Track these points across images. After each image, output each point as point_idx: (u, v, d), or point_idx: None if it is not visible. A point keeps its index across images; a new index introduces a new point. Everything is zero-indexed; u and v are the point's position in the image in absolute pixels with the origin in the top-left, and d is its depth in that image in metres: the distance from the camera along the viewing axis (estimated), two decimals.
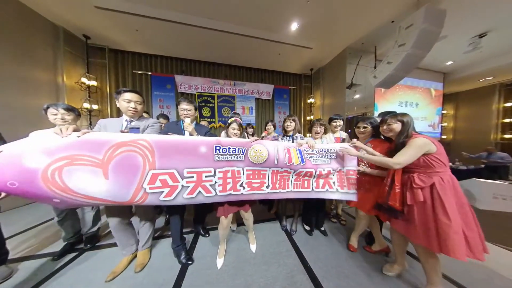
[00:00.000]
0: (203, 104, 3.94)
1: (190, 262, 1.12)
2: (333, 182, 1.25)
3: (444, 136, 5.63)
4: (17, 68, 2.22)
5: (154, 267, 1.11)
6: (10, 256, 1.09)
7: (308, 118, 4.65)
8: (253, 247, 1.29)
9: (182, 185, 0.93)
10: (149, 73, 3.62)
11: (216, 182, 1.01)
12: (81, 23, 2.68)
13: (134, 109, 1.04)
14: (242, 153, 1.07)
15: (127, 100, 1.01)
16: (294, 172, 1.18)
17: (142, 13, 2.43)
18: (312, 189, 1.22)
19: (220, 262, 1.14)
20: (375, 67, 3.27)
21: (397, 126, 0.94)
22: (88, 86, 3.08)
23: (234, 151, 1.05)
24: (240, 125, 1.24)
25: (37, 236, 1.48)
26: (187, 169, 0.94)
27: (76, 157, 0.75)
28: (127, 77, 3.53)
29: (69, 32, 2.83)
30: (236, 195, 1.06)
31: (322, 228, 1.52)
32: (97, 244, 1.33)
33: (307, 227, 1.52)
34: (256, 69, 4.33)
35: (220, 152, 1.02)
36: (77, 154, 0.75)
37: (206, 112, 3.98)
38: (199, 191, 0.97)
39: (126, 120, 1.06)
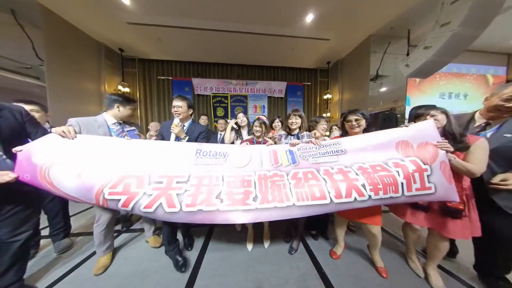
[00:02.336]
0: (217, 104, 4.12)
1: (183, 269, 1.05)
2: (362, 185, 0.82)
3: None
4: (73, 81, 2.74)
5: None
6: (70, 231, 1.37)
7: (324, 115, 4.36)
8: (266, 244, 1.30)
9: (144, 193, 0.80)
10: (170, 78, 3.98)
11: (186, 191, 0.81)
12: (117, 38, 3.13)
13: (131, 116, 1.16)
14: (223, 157, 0.98)
15: (133, 109, 1.15)
16: (287, 174, 0.91)
17: (164, 24, 2.68)
18: (331, 200, 0.81)
19: (249, 246, 1.27)
20: (407, 54, 2.81)
21: (442, 118, 0.90)
22: (123, 93, 3.58)
23: (215, 155, 0.98)
24: (263, 123, 1.29)
25: (91, 216, 1.83)
26: (160, 173, 0.86)
27: (66, 156, 0.81)
28: (153, 83, 3.96)
29: (108, 47, 3.34)
30: (208, 213, 0.78)
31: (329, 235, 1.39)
32: (130, 227, 1.57)
33: (312, 232, 1.40)
34: (268, 67, 4.27)
35: (200, 156, 0.96)
36: (71, 153, 0.82)
37: (220, 112, 4.15)
38: (160, 203, 0.78)
39: (120, 123, 1.10)
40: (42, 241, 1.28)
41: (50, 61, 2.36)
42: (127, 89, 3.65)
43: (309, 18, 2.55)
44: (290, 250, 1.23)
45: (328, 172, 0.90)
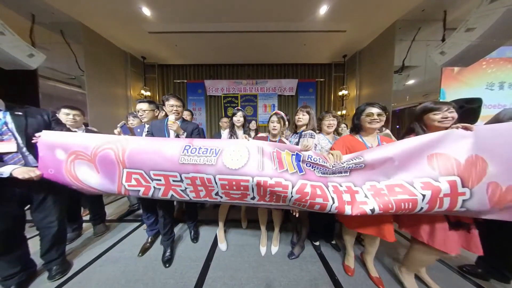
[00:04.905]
0: (228, 104, 4.22)
1: (167, 265, 1.09)
2: (371, 210, 0.72)
3: None
4: (106, 88, 3.15)
5: (190, 246, 1.33)
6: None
7: (339, 113, 4.08)
8: (274, 249, 1.23)
9: (154, 187, 0.87)
10: (185, 81, 4.23)
11: (186, 188, 0.86)
12: (139, 47, 3.47)
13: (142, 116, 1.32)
14: (214, 155, 0.83)
15: (139, 110, 1.32)
16: (293, 186, 0.78)
17: (179, 30, 2.86)
18: (329, 210, 0.81)
19: (263, 250, 1.22)
20: (442, 40, 2.42)
21: (455, 115, 0.78)
22: (145, 97, 3.96)
23: (204, 152, 0.84)
24: (281, 118, 1.12)
25: (121, 207, 2.09)
26: (152, 171, 0.84)
27: (77, 152, 0.86)
28: (170, 86, 4.28)
29: (132, 56, 3.72)
30: (215, 200, 0.89)
31: (333, 242, 1.29)
32: None
33: (315, 243, 1.28)
34: (279, 65, 4.18)
35: (187, 153, 0.84)
36: (78, 150, 0.86)
37: (230, 112, 4.24)
38: (172, 195, 0.88)
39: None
40: (85, 225, 1.51)
41: (89, 72, 2.75)
42: (148, 93, 4.02)
43: (323, 9, 2.40)
44: (289, 254, 1.18)
45: (337, 190, 0.81)
